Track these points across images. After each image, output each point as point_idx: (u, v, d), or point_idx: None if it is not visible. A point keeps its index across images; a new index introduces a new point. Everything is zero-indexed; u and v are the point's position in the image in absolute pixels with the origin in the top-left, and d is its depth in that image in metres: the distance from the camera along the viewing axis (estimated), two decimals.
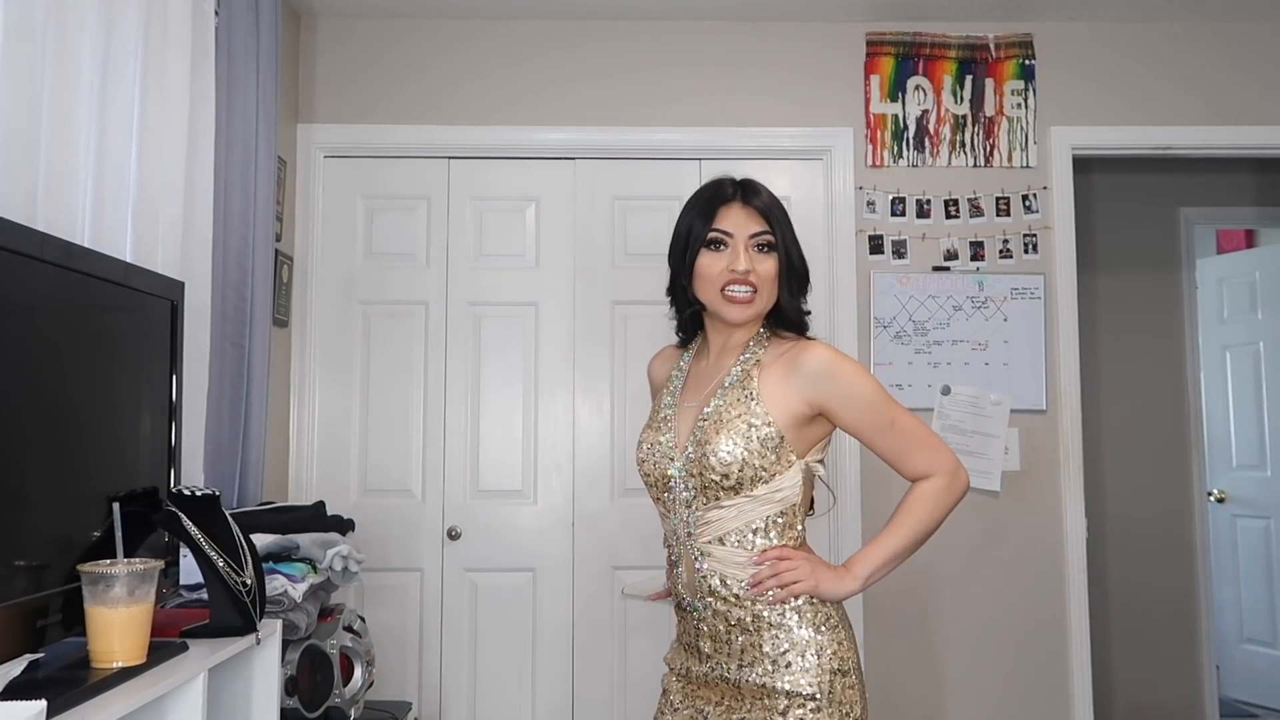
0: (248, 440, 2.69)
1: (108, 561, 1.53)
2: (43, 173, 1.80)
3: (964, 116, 3.42)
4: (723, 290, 1.72)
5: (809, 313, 1.79)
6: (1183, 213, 4.54)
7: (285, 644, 2.13)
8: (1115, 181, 4.43)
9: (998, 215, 3.39)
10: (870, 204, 3.39)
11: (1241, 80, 3.44)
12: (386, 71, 3.40)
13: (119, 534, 1.58)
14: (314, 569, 2.27)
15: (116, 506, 1.61)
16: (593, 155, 3.42)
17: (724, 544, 1.68)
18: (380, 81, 3.39)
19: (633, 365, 3.30)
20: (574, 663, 3.28)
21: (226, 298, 2.59)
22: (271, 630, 1.91)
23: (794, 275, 1.76)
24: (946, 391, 3.33)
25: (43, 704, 1.18)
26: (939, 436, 1.79)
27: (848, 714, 1.63)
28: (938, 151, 3.41)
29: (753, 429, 1.66)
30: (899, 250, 3.37)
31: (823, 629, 1.67)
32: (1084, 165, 3.72)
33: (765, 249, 1.74)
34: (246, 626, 1.76)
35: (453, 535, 3.31)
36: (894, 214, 3.39)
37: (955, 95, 3.43)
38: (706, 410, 1.71)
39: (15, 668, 1.36)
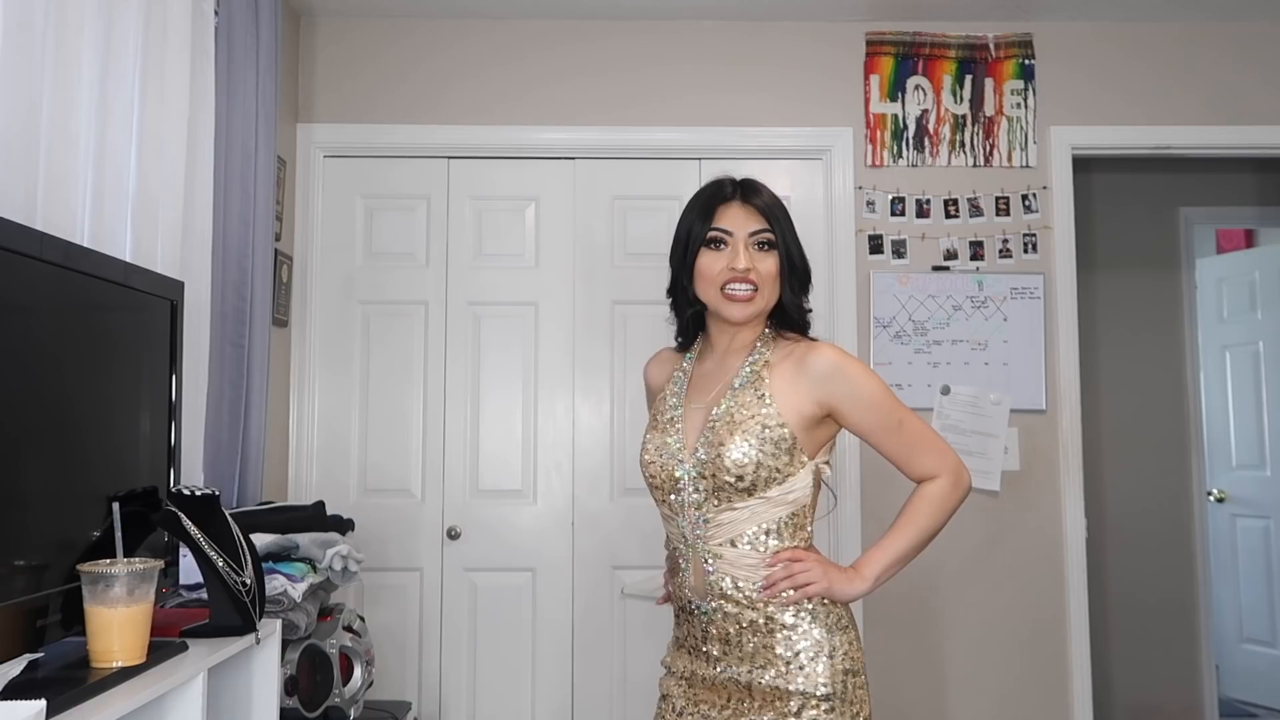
0: (247, 440, 2.69)
1: (107, 561, 1.53)
2: (42, 172, 1.80)
3: (964, 116, 3.42)
4: (723, 289, 1.72)
5: (810, 310, 1.80)
6: (1182, 212, 4.54)
7: (285, 644, 2.13)
8: (1115, 181, 4.43)
9: (997, 215, 3.39)
10: (870, 204, 3.39)
11: (1241, 80, 3.44)
12: (386, 71, 3.40)
13: (118, 534, 1.58)
14: (314, 569, 2.27)
15: (116, 506, 1.61)
16: (592, 155, 3.42)
17: (735, 546, 1.68)
18: (380, 81, 3.39)
19: (633, 365, 3.30)
20: (574, 662, 3.28)
21: (226, 297, 2.59)
22: (271, 630, 1.91)
23: (795, 273, 1.76)
24: (946, 391, 3.33)
25: (42, 704, 1.18)
26: (943, 438, 1.81)
27: (858, 713, 1.66)
28: (937, 151, 3.41)
29: (766, 430, 1.67)
30: (899, 250, 3.38)
31: (834, 630, 1.68)
32: (1084, 165, 3.72)
33: (765, 247, 1.74)
34: (246, 626, 1.76)
35: (452, 535, 3.31)
36: (894, 214, 3.39)
37: (955, 95, 3.43)
38: (717, 411, 1.71)
39: (15, 667, 1.36)
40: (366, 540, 3.05)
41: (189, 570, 1.98)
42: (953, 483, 1.73)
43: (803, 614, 1.67)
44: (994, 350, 3.35)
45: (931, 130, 3.42)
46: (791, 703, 1.63)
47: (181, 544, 1.83)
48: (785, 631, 1.66)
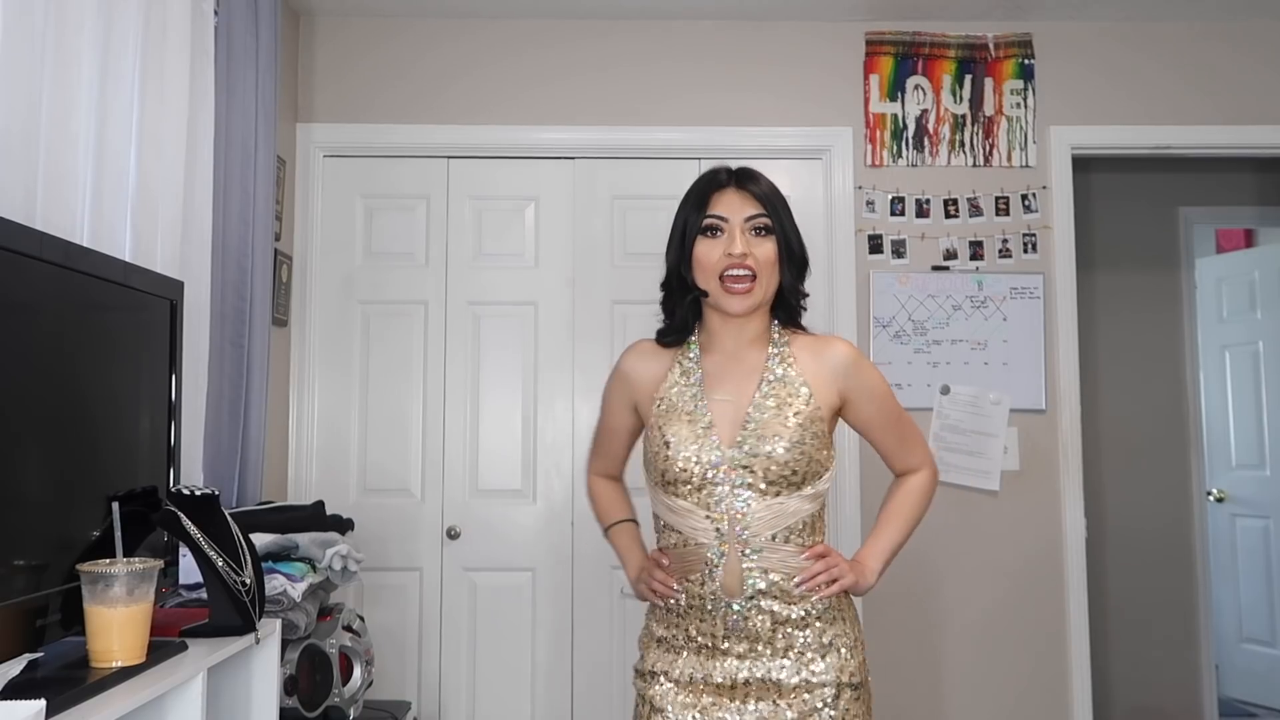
0: (247, 440, 2.69)
1: (107, 561, 1.53)
2: (42, 172, 1.80)
3: (963, 116, 3.42)
4: (722, 278, 1.70)
5: (808, 295, 1.80)
6: (1182, 212, 4.54)
7: (284, 643, 2.13)
8: (1114, 181, 4.43)
9: (997, 215, 3.39)
10: (869, 203, 3.39)
11: (1241, 79, 3.44)
12: (386, 71, 3.40)
13: (118, 533, 1.58)
14: (313, 568, 2.27)
15: (116, 506, 1.61)
16: (592, 154, 3.42)
17: (775, 540, 1.67)
18: (379, 81, 3.39)
19: None
20: (573, 662, 3.28)
21: (226, 297, 2.59)
22: (271, 630, 1.91)
23: (793, 259, 1.75)
24: (946, 391, 3.33)
25: (42, 703, 1.18)
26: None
27: (870, 697, 1.74)
28: (937, 151, 3.41)
29: (812, 423, 1.69)
30: (898, 250, 3.38)
31: (854, 622, 1.75)
32: (1083, 165, 3.72)
33: (762, 232, 1.72)
34: (246, 626, 1.76)
35: (452, 535, 3.31)
36: (893, 213, 3.39)
37: (954, 95, 3.43)
38: (756, 404, 1.70)
39: (14, 667, 1.36)
40: (366, 540, 3.05)
41: (189, 570, 1.98)
42: (932, 476, 1.86)
43: (833, 607, 1.72)
44: (994, 350, 3.35)
45: (931, 130, 3.42)
46: (825, 692, 1.66)
47: (181, 544, 1.83)
48: (820, 624, 1.69)
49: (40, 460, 1.54)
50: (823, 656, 1.67)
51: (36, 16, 1.78)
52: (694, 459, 1.68)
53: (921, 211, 3.39)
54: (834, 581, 1.69)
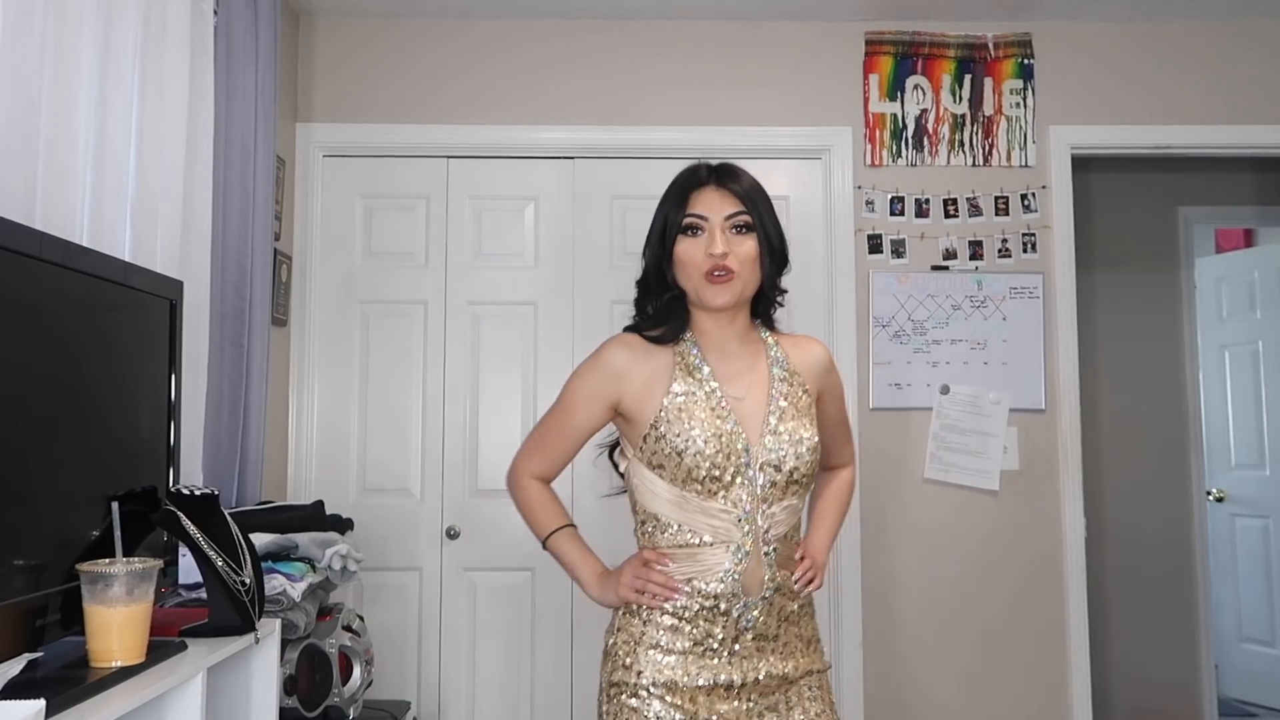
0: (246, 439, 2.69)
1: (106, 561, 1.53)
2: (41, 171, 1.80)
3: (963, 116, 3.42)
4: (705, 276, 1.69)
5: (785, 292, 1.81)
6: (1182, 212, 4.54)
7: (284, 643, 2.13)
8: (1114, 180, 4.43)
9: (996, 214, 3.39)
10: (869, 203, 3.39)
11: (1241, 79, 3.44)
12: (385, 71, 3.40)
13: (118, 533, 1.58)
14: (313, 568, 2.27)
15: (115, 506, 1.61)
16: (591, 154, 3.42)
17: (786, 540, 1.70)
18: (379, 81, 3.39)
19: None
20: (573, 662, 3.28)
21: (225, 297, 2.59)
22: (270, 629, 1.91)
23: (774, 256, 1.74)
24: (945, 391, 3.33)
25: (41, 703, 1.18)
26: None
27: None
28: (936, 151, 3.41)
29: (815, 422, 1.75)
30: (898, 249, 3.38)
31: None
32: (1083, 164, 3.72)
33: (743, 230, 1.71)
34: (245, 626, 1.76)
35: (451, 534, 3.31)
36: (893, 213, 3.39)
37: (954, 94, 3.43)
38: (774, 403, 1.70)
39: (14, 667, 1.35)
40: (366, 540, 3.05)
41: (188, 570, 1.98)
42: (854, 469, 2.00)
43: (809, 601, 1.78)
44: (993, 350, 3.35)
45: (931, 130, 3.42)
46: (813, 679, 1.73)
47: (181, 543, 1.83)
48: (805, 618, 1.76)
49: (40, 460, 1.54)
50: (809, 645, 1.75)
51: (36, 16, 1.78)
52: (725, 455, 1.64)
53: (921, 211, 3.39)
54: (815, 577, 1.77)
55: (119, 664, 1.48)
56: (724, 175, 1.75)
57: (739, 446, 1.65)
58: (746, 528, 1.65)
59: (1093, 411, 4.20)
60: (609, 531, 3.29)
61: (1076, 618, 3.29)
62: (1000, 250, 3.38)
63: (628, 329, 1.79)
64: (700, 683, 1.64)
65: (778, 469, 1.66)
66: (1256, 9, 3.39)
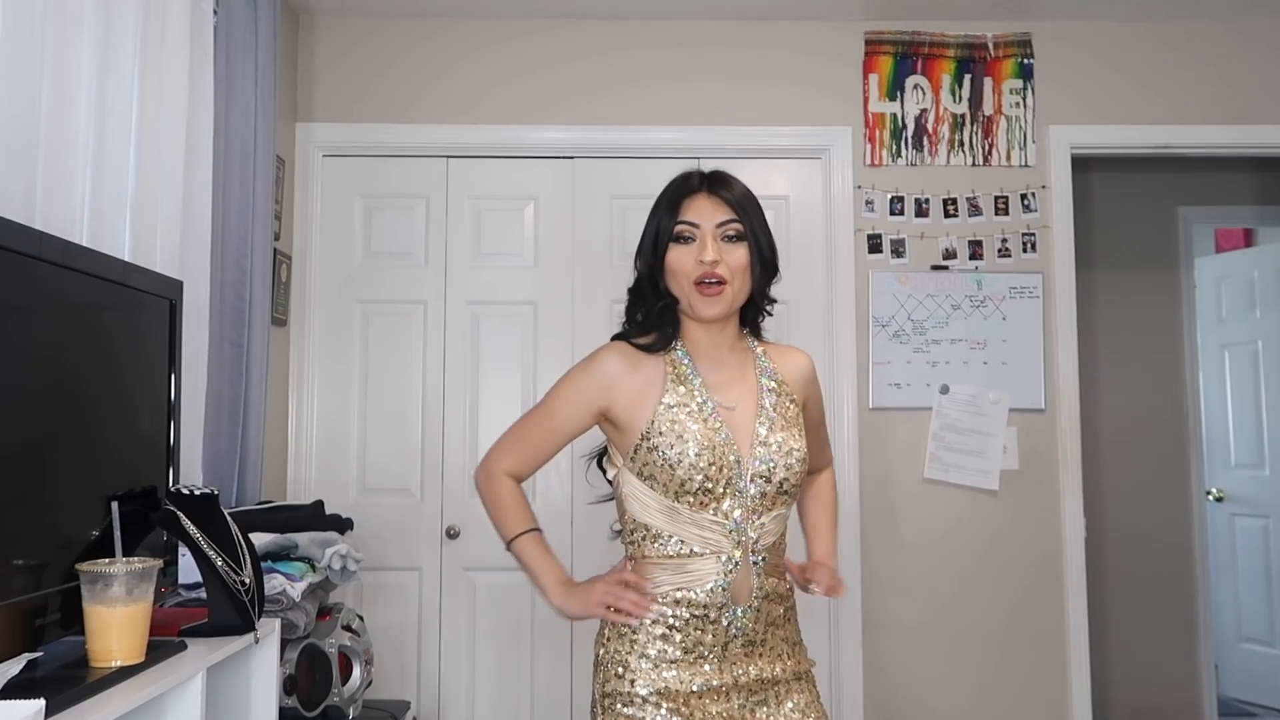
0: (246, 439, 2.69)
1: (106, 560, 1.53)
2: (41, 171, 1.80)
3: (962, 115, 3.42)
4: (696, 285, 1.68)
5: (775, 302, 1.81)
6: (1181, 212, 4.54)
7: (284, 643, 2.13)
8: (1114, 180, 4.43)
9: (996, 214, 3.39)
10: (869, 203, 3.39)
11: (1241, 78, 3.44)
12: (385, 70, 3.40)
13: (117, 533, 1.58)
14: (312, 568, 2.27)
15: (115, 505, 1.61)
16: (591, 154, 3.42)
17: (774, 548, 1.70)
18: (379, 80, 3.39)
19: None
20: (573, 662, 3.28)
21: (225, 297, 2.59)
22: (270, 629, 1.91)
23: (765, 266, 1.73)
24: (945, 390, 3.33)
25: (41, 703, 1.18)
26: None
27: None
28: (936, 150, 3.41)
29: (803, 432, 1.75)
30: (897, 249, 3.38)
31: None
32: (1082, 164, 3.72)
33: (734, 239, 1.70)
34: (245, 625, 1.76)
35: (451, 534, 3.31)
36: (893, 213, 3.39)
37: (954, 94, 3.43)
38: (764, 413, 1.70)
39: (14, 666, 1.35)
40: (365, 539, 3.05)
41: (188, 569, 1.99)
42: (833, 470, 2.01)
43: (793, 605, 1.78)
44: (993, 349, 3.35)
45: (930, 129, 3.42)
46: (806, 679, 1.74)
47: (180, 543, 1.83)
48: (791, 622, 1.76)
49: (40, 460, 1.54)
50: (793, 649, 1.75)
51: (36, 15, 1.78)
52: (717, 467, 1.64)
53: (921, 211, 3.39)
54: (838, 586, 1.78)
55: (119, 664, 1.48)
56: (716, 183, 1.74)
57: (731, 458, 1.65)
58: (737, 538, 1.64)
59: (1092, 411, 4.20)
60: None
61: (1076, 617, 3.29)
62: (1000, 250, 3.38)
63: (616, 337, 1.78)
64: (694, 688, 1.64)
65: (768, 480, 1.66)
66: (1256, 8, 3.39)
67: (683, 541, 1.66)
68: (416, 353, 3.37)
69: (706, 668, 1.65)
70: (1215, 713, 4.34)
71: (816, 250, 3.40)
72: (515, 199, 3.43)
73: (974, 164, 3.41)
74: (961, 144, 3.41)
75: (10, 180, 1.70)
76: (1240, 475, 4.83)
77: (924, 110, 3.42)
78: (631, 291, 1.78)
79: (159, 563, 1.58)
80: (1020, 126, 3.42)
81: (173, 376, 1.98)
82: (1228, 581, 4.84)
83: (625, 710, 1.64)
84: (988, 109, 3.42)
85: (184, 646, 1.65)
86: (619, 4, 3.35)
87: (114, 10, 2.06)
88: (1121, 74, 3.44)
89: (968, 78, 3.43)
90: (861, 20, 3.43)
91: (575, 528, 3.30)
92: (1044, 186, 3.40)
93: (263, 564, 2.06)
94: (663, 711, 1.62)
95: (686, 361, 1.73)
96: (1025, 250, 3.38)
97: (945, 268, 3.37)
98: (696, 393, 1.69)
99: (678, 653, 1.65)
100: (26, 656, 1.41)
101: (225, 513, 1.81)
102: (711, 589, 1.64)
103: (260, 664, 1.91)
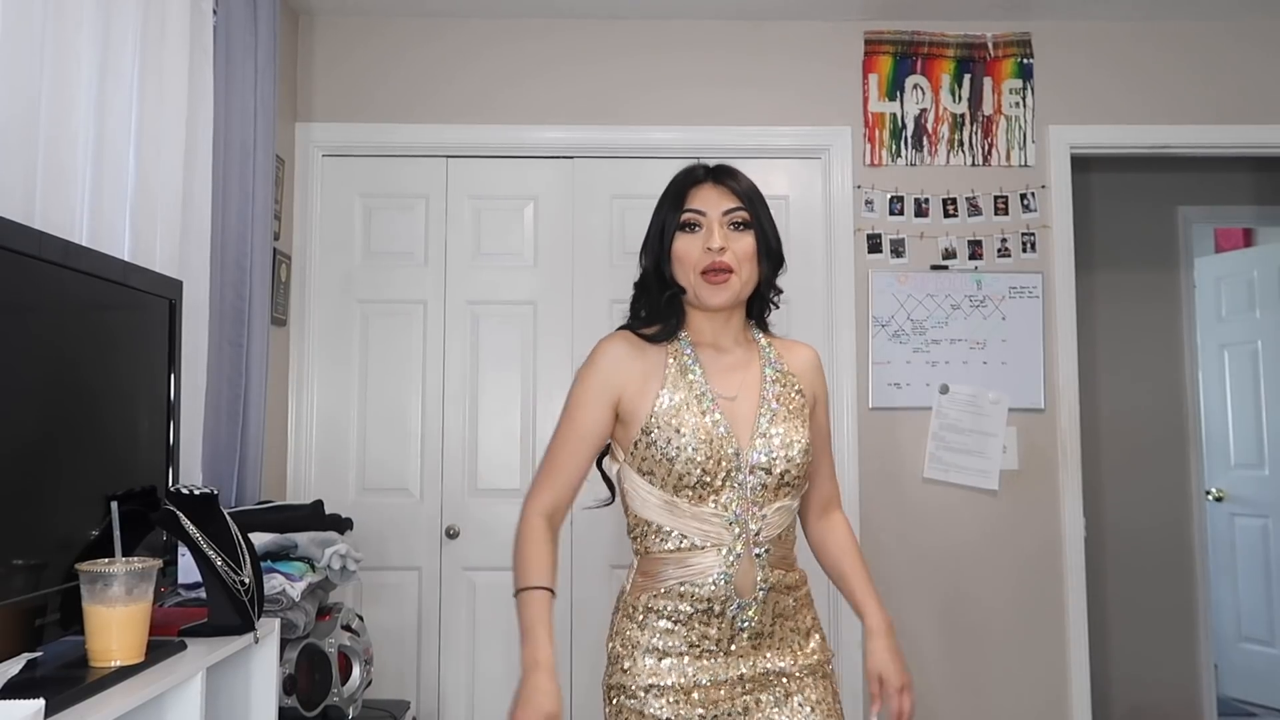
0: (246, 439, 2.69)
1: (106, 560, 1.53)
2: (41, 171, 1.80)
3: (962, 115, 3.42)
4: (703, 274, 1.68)
5: (781, 292, 1.80)
6: (1181, 211, 4.54)
7: (283, 643, 2.13)
8: (1113, 180, 4.43)
9: (996, 214, 3.39)
10: (868, 203, 3.39)
11: (1240, 78, 3.44)
12: (385, 70, 3.40)
13: (117, 533, 1.58)
14: (312, 568, 2.27)
15: (115, 505, 1.61)
16: (591, 154, 3.42)
17: (780, 540, 1.69)
18: (378, 80, 3.39)
19: None
20: (572, 661, 3.28)
21: (225, 296, 2.59)
22: (270, 629, 1.91)
23: (771, 256, 1.74)
24: (945, 390, 3.33)
25: (40, 703, 1.18)
26: None
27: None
28: (936, 150, 3.41)
29: (808, 424, 1.73)
30: (897, 249, 3.38)
31: (813, 603, 1.80)
32: (1082, 164, 3.72)
33: (740, 227, 1.70)
34: (245, 625, 1.76)
35: (451, 534, 3.31)
36: (892, 213, 3.39)
37: (953, 94, 3.43)
38: (766, 405, 1.70)
39: (13, 666, 1.35)
40: (365, 539, 3.05)
41: (187, 569, 1.99)
42: (842, 509, 1.93)
43: (805, 594, 1.76)
44: (992, 349, 3.35)
45: (930, 129, 3.42)
46: (819, 672, 1.72)
47: (180, 543, 1.83)
48: (802, 611, 1.74)
49: (39, 460, 1.54)
50: (807, 640, 1.73)
51: (35, 15, 1.78)
52: (715, 460, 1.63)
53: (920, 211, 3.39)
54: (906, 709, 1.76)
55: (118, 664, 1.48)
56: (722, 173, 1.75)
57: (729, 450, 1.64)
58: (737, 530, 1.64)
59: (1092, 411, 4.21)
60: (619, 532, 3.30)
61: (1076, 617, 3.29)
62: (1000, 250, 3.38)
63: (622, 328, 1.77)
64: (700, 681, 1.64)
65: (768, 471, 1.65)
66: (1256, 8, 3.39)
67: (684, 536, 1.65)
68: (416, 353, 3.37)
69: (712, 662, 1.65)
70: (1215, 712, 4.34)
71: (816, 250, 3.40)
72: (515, 199, 3.43)
73: (973, 164, 3.41)
74: (961, 144, 3.41)
75: (10, 180, 1.70)
76: (1240, 475, 4.83)
77: (923, 110, 3.42)
78: (637, 286, 1.78)
79: (158, 562, 1.58)
80: (1020, 126, 3.42)
81: (172, 376, 1.98)
82: (1227, 581, 4.84)
83: (628, 702, 1.66)
84: (987, 109, 3.42)
85: (184, 646, 1.65)
86: (619, 4, 3.35)
87: (113, 10, 2.06)
88: (1121, 74, 3.44)
89: (967, 78, 3.43)
90: (861, 20, 3.43)
91: (574, 528, 3.30)
92: (1043, 186, 3.40)
93: (262, 564, 2.06)
94: (663, 703, 1.63)
95: (689, 352, 1.72)
96: (1025, 250, 3.38)
97: (945, 267, 3.37)
98: (696, 384, 1.69)
99: (682, 646, 1.65)
100: (26, 656, 1.41)
101: (225, 512, 1.81)
102: (714, 582, 1.64)
103: (260, 664, 1.91)
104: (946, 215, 3.39)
